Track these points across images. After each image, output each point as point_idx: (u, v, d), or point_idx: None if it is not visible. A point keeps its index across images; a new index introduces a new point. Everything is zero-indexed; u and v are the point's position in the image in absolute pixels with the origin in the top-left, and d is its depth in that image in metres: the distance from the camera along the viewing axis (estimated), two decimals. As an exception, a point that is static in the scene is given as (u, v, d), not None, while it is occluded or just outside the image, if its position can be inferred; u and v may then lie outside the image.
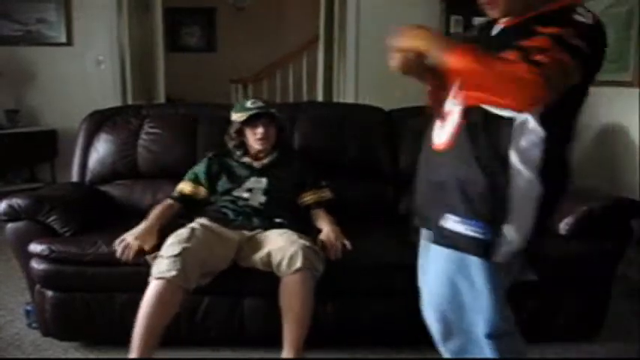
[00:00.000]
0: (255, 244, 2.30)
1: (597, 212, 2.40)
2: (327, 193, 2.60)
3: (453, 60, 1.31)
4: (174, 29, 7.27)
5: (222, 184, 2.53)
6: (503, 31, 1.50)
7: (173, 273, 2.05)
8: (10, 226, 2.41)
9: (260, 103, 2.55)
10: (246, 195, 2.47)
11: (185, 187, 2.56)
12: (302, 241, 2.19)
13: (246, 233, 2.37)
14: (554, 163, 1.43)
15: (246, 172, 2.53)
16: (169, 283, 2.05)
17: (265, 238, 2.31)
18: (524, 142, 1.40)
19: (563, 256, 2.38)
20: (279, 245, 2.19)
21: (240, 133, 2.54)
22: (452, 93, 1.53)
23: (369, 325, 2.39)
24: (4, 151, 4.44)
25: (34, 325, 2.52)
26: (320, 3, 5.33)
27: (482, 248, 1.42)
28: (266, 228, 2.38)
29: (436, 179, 1.54)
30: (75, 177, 2.93)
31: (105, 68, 4.82)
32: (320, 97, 5.50)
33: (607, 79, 3.39)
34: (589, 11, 1.38)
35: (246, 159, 2.57)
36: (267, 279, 2.20)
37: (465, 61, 1.30)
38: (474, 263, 1.46)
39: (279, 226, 2.38)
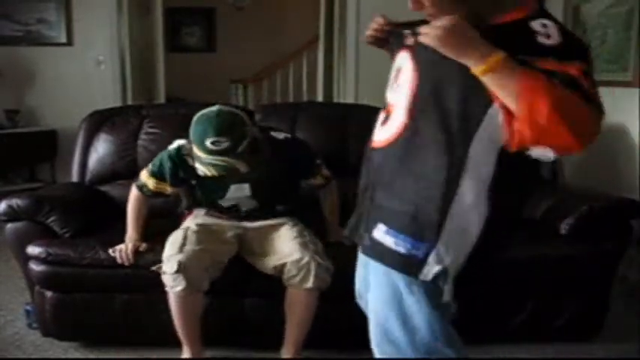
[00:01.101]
0: (264, 241, 2.29)
1: (597, 212, 2.40)
2: (324, 172, 2.48)
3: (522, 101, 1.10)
4: (174, 29, 7.28)
5: (199, 194, 2.36)
6: None
7: (180, 288, 2.10)
8: (9, 226, 2.41)
9: (223, 145, 2.07)
10: (234, 203, 2.36)
11: (149, 181, 2.35)
12: (316, 256, 2.16)
13: (248, 225, 2.37)
14: (508, 180, 1.27)
15: (225, 184, 2.30)
16: (182, 294, 2.12)
17: (275, 239, 2.29)
18: (478, 149, 1.24)
19: (563, 256, 2.38)
20: (293, 258, 2.16)
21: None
22: (403, 76, 1.37)
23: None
24: (4, 151, 4.44)
25: (34, 325, 2.52)
26: (320, 3, 5.33)
27: (409, 265, 1.30)
28: (269, 216, 2.38)
29: (372, 179, 1.42)
30: (75, 177, 2.93)
31: (105, 68, 4.82)
32: (320, 97, 5.49)
33: (607, 79, 3.39)
34: (549, 18, 1.19)
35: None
36: (269, 280, 2.21)
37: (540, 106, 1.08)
38: (402, 279, 1.33)
39: (284, 214, 2.39)
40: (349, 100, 4.76)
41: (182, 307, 2.14)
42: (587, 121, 1.11)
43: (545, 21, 1.18)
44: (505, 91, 1.12)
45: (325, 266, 2.18)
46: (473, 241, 1.29)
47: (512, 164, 1.23)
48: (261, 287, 2.29)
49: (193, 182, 2.32)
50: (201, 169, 2.13)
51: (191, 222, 2.33)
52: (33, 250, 2.32)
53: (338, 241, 2.33)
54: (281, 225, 2.36)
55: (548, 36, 1.15)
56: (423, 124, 1.30)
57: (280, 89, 6.41)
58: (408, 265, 1.30)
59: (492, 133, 1.21)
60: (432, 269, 1.29)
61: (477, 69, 1.13)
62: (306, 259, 2.15)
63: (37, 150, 4.69)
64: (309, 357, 2.24)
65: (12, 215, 2.39)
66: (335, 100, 5.17)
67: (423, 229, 1.28)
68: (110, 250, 2.29)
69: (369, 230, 1.37)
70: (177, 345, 2.21)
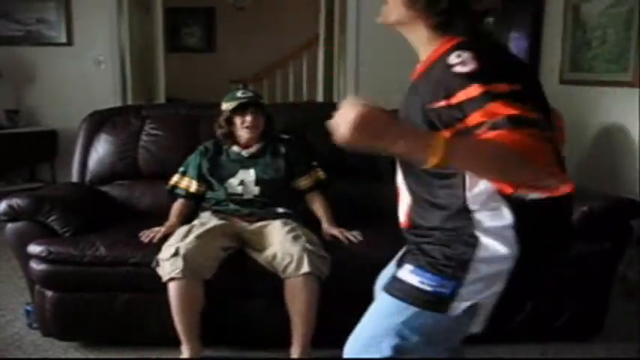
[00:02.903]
0: (260, 237, 2.36)
1: (597, 212, 2.40)
2: (319, 174, 2.66)
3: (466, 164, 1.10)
4: (175, 29, 7.28)
5: (212, 179, 2.58)
6: (410, 88, 1.34)
7: (177, 271, 2.11)
8: (10, 226, 2.41)
9: (250, 94, 2.61)
10: (239, 190, 2.52)
11: (179, 181, 2.63)
12: (307, 245, 2.21)
13: (249, 225, 2.43)
14: (534, 217, 1.22)
15: (235, 165, 2.57)
16: (180, 282, 2.12)
17: (269, 233, 2.35)
18: (477, 199, 1.22)
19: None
20: (285, 247, 2.21)
21: (229, 121, 2.58)
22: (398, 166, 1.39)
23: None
24: (4, 151, 4.44)
25: (34, 325, 2.52)
26: (320, 3, 5.34)
27: (435, 302, 1.25)
28: (268, 217, 2.44)
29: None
30: (75, 177, 2.93)
31: (105, 68, 4.82)
32: (320, 97, 5.50)
33: (607, 79, 3.39)
34: (469, 49, 1.16)
35: (234, 148, 2.60)
36: (273, 280, 2.21)
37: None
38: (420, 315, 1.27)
39: (282, 216, 2.44)
40: (349, 100, 4.75)
41: (181, 297, 2.13)
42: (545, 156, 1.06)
43: (460, 52, 1.15)
44: (477, 170, 1.12)
45: (319, 254, 2.21)
46: (504, 279, 1.23)
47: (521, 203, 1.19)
48: (263, 287, 2.30)
49: (213, 171, 2.55)
50: (226, 106, 2.55)
51: (196, 221, 2.43)
52: (34, 248, 2.33)
53: (332, 235, 2.39)
54: (276, 222, 2.41)
55: (464, 63, 1.13)
56: (420, 193, 1.33)
57: (280, 89, 6.42)
58: (433, 303, 1.25)
59: (478, 184, 1.22)
60: (461, 305, 1.24)
61: (430, 163, 1.04)
62: (298, 247, 2.19)
63: (37, 150, 4.68)
64: (319, 357, 2.23)
65: (12, 215, 2.39)
66: (335, 100, 5.17)
67: (450, 267, 1.24)
68: (141, 233, 2.39)
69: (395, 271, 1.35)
70: (177, 345, 2.21)
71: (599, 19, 3.51)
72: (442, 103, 1.15)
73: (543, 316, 2.43)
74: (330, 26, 5.21)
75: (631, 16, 3.20)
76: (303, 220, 2.48)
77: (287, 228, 2.33)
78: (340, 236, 2.43)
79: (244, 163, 2.57)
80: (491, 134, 1.05)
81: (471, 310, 1.26)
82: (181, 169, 2.65)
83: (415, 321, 1.27)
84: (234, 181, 2.54)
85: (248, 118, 2.54)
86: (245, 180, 2.53)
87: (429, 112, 1.19)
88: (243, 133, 2.57)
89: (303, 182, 2.62)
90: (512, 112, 1.06)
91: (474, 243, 1.22)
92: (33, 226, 2.40)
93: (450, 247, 1.25)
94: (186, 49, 7.37)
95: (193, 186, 2.60)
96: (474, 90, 1.10)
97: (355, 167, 2.89)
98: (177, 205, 2.59)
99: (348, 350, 1.43)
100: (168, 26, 6.26)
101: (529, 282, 1.30)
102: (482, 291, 1.24)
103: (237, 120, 2.56)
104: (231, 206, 2.50)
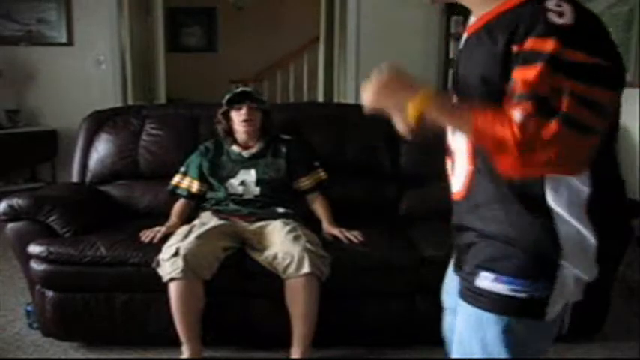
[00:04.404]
0: (260, 237, 2.36)
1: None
2: (320, 174, 2.66)
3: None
4: (175, 29, 7.27)
5: (213, 179, 2.59)
6: (466, 42, 1.23)
7: (177, 271, 2.12)
8: (10, 226, 2.41)
9: (248, 89, 2.65)
10: (240, 190, 2.53)
11: (180, 181, 2.64)
12: (308, 245, 2.21)
13: (249, 225, 2.43)
14: (604, 200, 1.15)
15: (235, 166, 2.57)
16: (180, 282, 2.13)
17: (269, 233, 2.35)
18: (559, 182, 1.11)
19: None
20: (285, 247, 2.21)
21: (225, 115, 2.60)
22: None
23: (370, 325, 2.39)
24: (4, 151, 4.44)
25: (34, 325, 2.52)
26: (320, 3, 5.34)
27: (531, 309, 1.15)
28: (269, 217, 2.44)
29: (464, 231, 1.27)
30: (75, 177, 2.93)
31: (105, 68, 4.82)
32: (320, 97, 5.50)
33: (607, 79, 3.40)
34: (570, 1, 1.05)
35: (234, 148, 2.61)
36: (273, 280, 2.21)
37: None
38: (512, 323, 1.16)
39: (283, 216, 2.44)
40: (349, 100, 4.76)
41: (181, 297, 2.14)
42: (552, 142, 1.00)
43: (561, 1, 1.05)
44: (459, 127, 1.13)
45: (320, 254, 2.21)
46: (593, 269, 1.19)
47: (597, 178, 1.13)
48: (263, 287, 2.30)
49: (214, 171, 2.56)
50: (224, 100, 2.57)
51: (197, 221, 2.44)
52: (34, 248, 2.33)
53: (333, 235, 2.40)
54: (277, 222, 2.41)
55: (560, 14, 1.03)
56: (486, 168, 1.17)
57: (281, 89, 6.42)
58: (529, 310, 1.15)
59: None
60: (555, 307, 1.16)
61: (412, 115, 1.09)
62: (299, 247, 2.18)
63: (37, 150, 4.69)
64: (314, 356, 2.24)
65: (13, 215, 2.39)
66: (335, 100, 5.18)
67: (538, 267, 1.14)
68: (142, 232, 2.40)
69: (470, 280, 1.20)
70: (177, 345, 2.21)
71: (599, 19, 3.52)
72: (515, 49, 1.05)
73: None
74: (331, 26, 5.21)
75: (631, 17, 3.20)
76: (304, 220, 2.48)
77: (287, 228, 2.33)
78: (341, 236, 2.43)
79: (245, 163, 2.57)
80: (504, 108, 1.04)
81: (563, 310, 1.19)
82: (182, 169, 2.65)
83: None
84: (234, 182, 2.54)
85: (243, 112, 2.55)
86: (246, 180, 2.53)
87: (506, 55, 1.07)
88: (239, 128, 2.57)
89: (304, 183, 2.62)
90: (531, 89, 1.01)
91: (554, 239, 1.12)
92: (33, 226, 2.40)
93: (528, 243, 1.13)
94: (187, 49, 7.36)
95: (195, 186, 2.61)
96: (549, 45, 1.01)
97: (355, 167, 2.89)
98: (178, 205, 2.60)
99: None
100: (169, 26, 6.27)
101: (609, 269, 1.25)
102: (573, 287, 1.17)
103: (234, 114, 2.58)
104: (232, 206, 2.50)
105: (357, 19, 4.71)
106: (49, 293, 2.36)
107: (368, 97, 1.15)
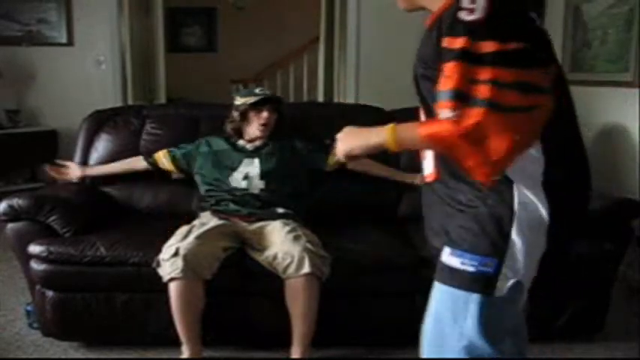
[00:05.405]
0: (260, 237, 2.35)
1: (597, 212, 2.40)
2: None
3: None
4: (175, 29, 7.28)
5: (211, 171, 2.59)
6: (425, 33, 1.30)
7: (177, 271, 2.11)
8: (10, 226, 2.41)
9: (267, 92, 2.69)
10: (244, 184, 2.52)
11: (160, 153, 2.72)
12: (308, 245, 2.21)
13: (249, 225, 2.43)
14: (560, 176, 1.24)
15: (238, 156, 2.58)
16: (180, 282, 2.12)
17: (269, 233, 2.35)
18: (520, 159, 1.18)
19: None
20: (285, 247, 2.21)
21: (244, 115, 2.59)
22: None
23: (370, 325, 2.40)
24: (4, 151, 4.44)
25: (34, 325, 2.52)
26: (320, 3, 5.34)
27: (481, 283, 1.20)
28: (268, 218, 2.43)
29: (431, 213, 1.36)
30: (75, 177, 2.92)
31: (105, 68, 4.82)
32: (320, 97, 5.50)
33: (607, 79, 3.39)
34: None
35: (241, 141, 2.63)
36: (273, 280, 2.21)
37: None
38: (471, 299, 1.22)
39: (282, 216, 2.44)
40: (349, 100, 4.76)
41: (181, 297, 2.13)
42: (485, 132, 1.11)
43: None
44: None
45: (320, 254, 2.21)
46: (542, 244, 1.22)
47: (552, 152, 1.21)
48: (263, 287, 2.30)
49: (214, 162, 2.58)
50: (244, 100, 2.58)
51: (196, 221, 2.43)
52: (34, 248, 2.33)
53: (413, 181, 2.61)
54: (277, 222, 2.41)
55: (471, 11, 1.12)
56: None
57: (281, 89, 6.42)
58: (479, 284, 1.20)
59: None
60: (506, 283, 1.21)
61: (390, 146, 1.25)
62: (299, 247, 2.18)
63: (37, 150, 4.68)
64: (319, 357, 2.23)
65: (13, 215, 2.39)
66: (335, 100, 5.18)
67: (490, 243, 1.19)
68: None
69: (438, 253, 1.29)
70: (177, 345, 2.21)
71: (599, 20, 3.51)
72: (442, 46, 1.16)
73: (543, 316, 2.43)
74: (331, 26, 5.21)
75: (631, 17, 3.20)
76: (304, 220, 2.47)
77: (287, 228, 2.33)
78: (417, 181, 2.44)
79: (248, 153, 2.59)
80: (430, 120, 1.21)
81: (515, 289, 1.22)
82: (172, 149, 2.70)
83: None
84: (238, 176, 2.53)
85: (265, 115, 2.56)
86: (249, 174, 2.53)
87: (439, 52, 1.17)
88: (255, 130, 2.59)
89: (332, 159, 2.61)
90: (450, 85, 1.11)
91: (508, 217, 1.18)
92: (33, 226, 2.40)
93: (483, 220, 1.20)
94: (187, 49, 7.37)
95: (167, 166, 2.69)
96: (459, 43, 1.11)
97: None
98: (135, 161, 2.75)
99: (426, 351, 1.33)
100: (169, 26, 6.28)
101: (563, 244, 1.29)
102: (526, 263, 1.20)
103: (253, 116, 2.58)
104: (232, 206, 2.50)
105: (357, 19, 4.71)
106: (49, 293, 2.36)
107: (341, 144, 1.36)
